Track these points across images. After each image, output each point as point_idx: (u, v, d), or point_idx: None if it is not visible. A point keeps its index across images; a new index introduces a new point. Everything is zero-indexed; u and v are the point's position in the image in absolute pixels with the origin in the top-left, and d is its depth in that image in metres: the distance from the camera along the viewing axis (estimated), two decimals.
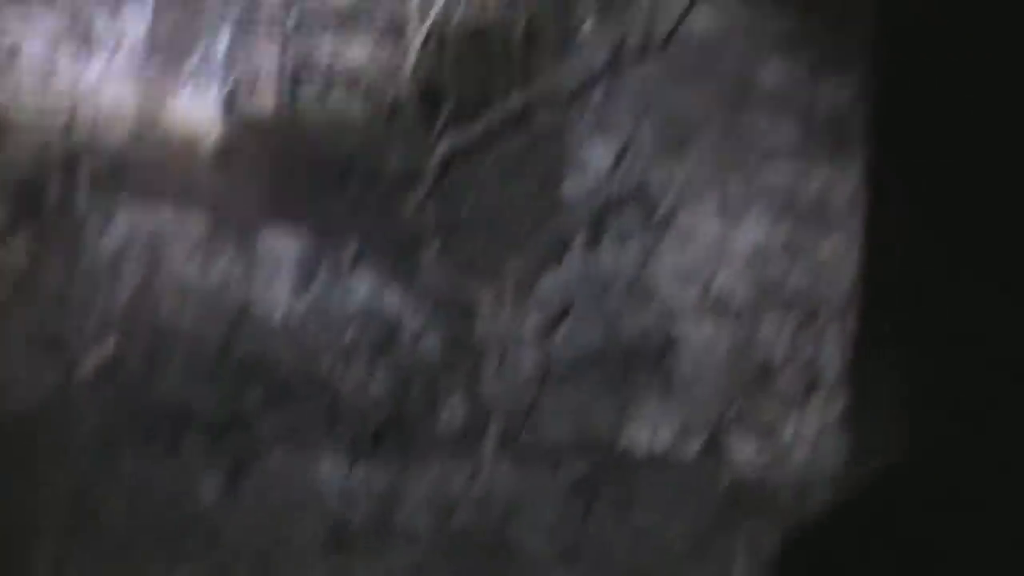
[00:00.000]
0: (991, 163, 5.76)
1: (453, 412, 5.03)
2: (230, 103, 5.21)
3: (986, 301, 5.65)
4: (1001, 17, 6.14)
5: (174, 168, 5.15)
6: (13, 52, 5.10)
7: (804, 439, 5.05)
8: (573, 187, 5.04)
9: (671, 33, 5.00)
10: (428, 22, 4.98)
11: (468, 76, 5.05)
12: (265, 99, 5.50)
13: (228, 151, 5.15)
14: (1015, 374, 5.20)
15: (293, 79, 5.46)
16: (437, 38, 5.02)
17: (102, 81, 5.13)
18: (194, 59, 5.18)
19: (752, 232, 5.06)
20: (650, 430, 5.03)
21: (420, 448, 4.96)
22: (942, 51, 5.62)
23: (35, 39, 5.10)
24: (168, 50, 5.18)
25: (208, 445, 4.90)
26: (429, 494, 4.93)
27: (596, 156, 5.06)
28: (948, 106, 5.84)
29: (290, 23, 5.32)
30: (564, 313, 5.01)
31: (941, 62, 5.59)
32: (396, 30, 5.08)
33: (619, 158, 5.04)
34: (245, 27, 5.33)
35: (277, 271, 5.11)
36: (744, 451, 5.04)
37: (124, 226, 5.13)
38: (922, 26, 5.44)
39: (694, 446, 5.04)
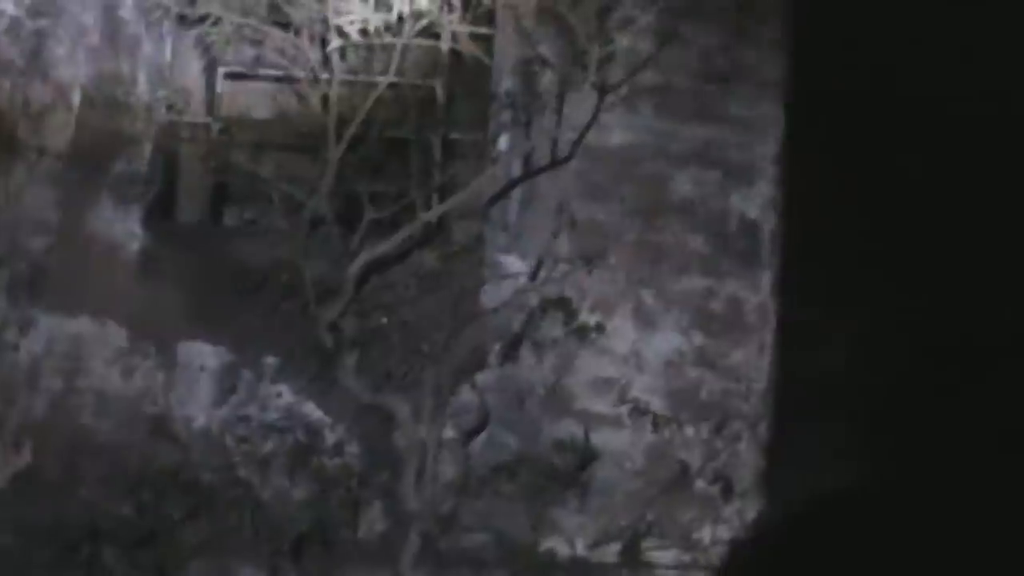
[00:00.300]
0: (897, 276, 5.94)
1: (373, 521, 5.04)
2: (151, 214, 5.25)
3: (897, 404, 5.80)
4: (908, 126, 6.36)
5: (95, 278, 5.17)
6: None
7: (721, 543, 5.12)
8: (491, 297, 5.11)
9: (576, 143, 5.10)
10: (347, 135, 5.04)
11: (387, 188, 5.12)
12: (186, 211, 5.55)
13: (149, 262, 5.18)
14: (928, 479, 5.33)
15: (215, 191, 5.53)
16: (356, 151, 5.09)
17: (23, 189, 5.15)
18: (116, 169, 5.22)
19: (667, 341, 5.16)
20: (569, 536, 5.07)
21: (341, 557, 4.96)
22: (847, 163, 5.79)
23: None
24: (90, 160, 5.21)
25: (128, 559, 4.86)
26: None
27: (513, 267, 5.14)
28: (853, 215, 6.02)
29: (213, 134, 5.39)
30: (483, 422, 5.06)
31: (846, 173, 5.76)
32: (316, 143, 5.14)
33: (536, 269, 5.11)
34: (167, 138, 5.40)
35: (197, 381, 5.12)
36: (663, 555, 5.10)
37: (43, 335, 5.12)
38: (828, 139, 5.61)
39: (613, 551, 5.09)
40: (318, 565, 4.93)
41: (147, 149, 5.31)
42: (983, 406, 6.03)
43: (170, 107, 5.34)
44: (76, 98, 5.20)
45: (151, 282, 5.19)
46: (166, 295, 5.17)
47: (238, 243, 5.26)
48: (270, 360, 5.10)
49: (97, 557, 4.87)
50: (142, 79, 5.29)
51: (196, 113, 5.44)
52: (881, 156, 6.05)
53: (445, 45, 5.32)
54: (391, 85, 5.17)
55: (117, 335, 5.13)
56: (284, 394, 5.09)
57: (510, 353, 5.06)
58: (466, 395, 5.04)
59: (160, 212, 5.33)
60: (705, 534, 5.12)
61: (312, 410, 5.08)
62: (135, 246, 5.21)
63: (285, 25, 5.24)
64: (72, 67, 5.19)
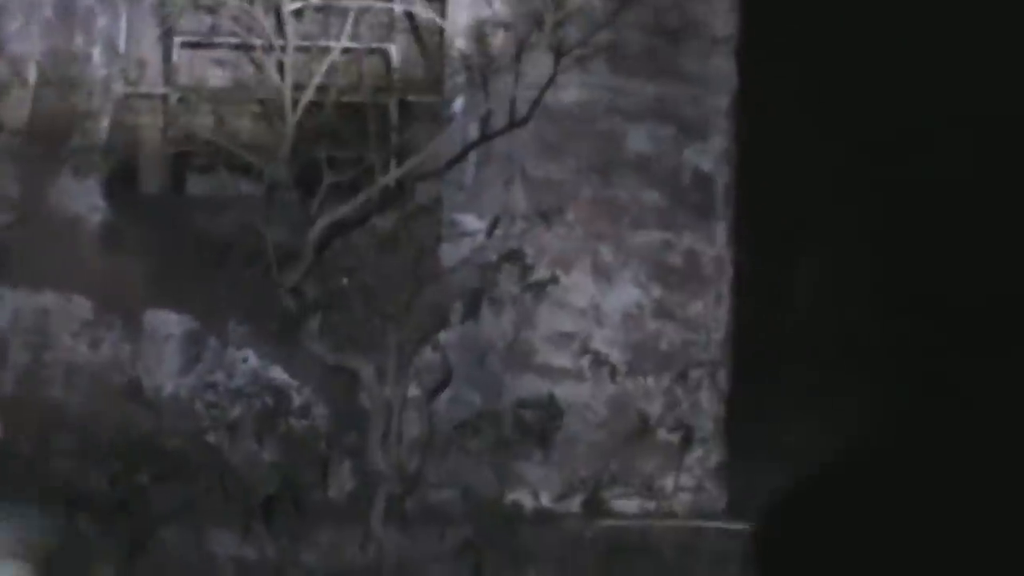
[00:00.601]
0: (847, 224, 6.03)
1: (342, 481, 5.12)
2: (112, 186, 5.29)
3: (852, 355, 5.90)
4: (861, 78, 6.43)
5: (58, 252, 5.21)
6: None
7: (683, 491, 5.22)
8: (450, 257, 5.17)
9: (535, 105, 5.14)
10: (304, 101, 5.08)
11: (345, 153, 5.16)
12: (147, 181, 5.58)
13: (111, 234, 5.22)
14: (881, 422, 5.43)
15: (175, 161, 5.57)
16: (314, 117, 5.13)
17: None
18: (76, 143, 5.25)
19: (625, 294, 5.23)
20: (534, 488, 5.15)
21: (311, 517, 5.03)
22: (798, 117, 5.87)
23: None
24: (49, 135, 5.24)
25: (102, 527, 4.91)
26: (321, 562, 5.00)
27: (471, 225, 5.20)
28: (810, 165, 6.10)
29: (171, 104, 5.42)
30: (446, 380, 5.14)
31: (800, 125, 5.85)
32: (274, 109, 5.18)
33: (494, 227, 5.17)
34: (126, 109, 5.43)
35: (164, 350, 5.17)
36: (627, 504, 5.19)
37: (9, 310, 5.17)
38: (780, 92, 5.68)
39: (577, 502, 5.18)
40: (289, 525, 4.99)
41: (105, 122, 5.34)
42: (943, 354, 6.13)
43: (127, 79, 5.37)
44: (32, 73, 5.23)
45: (114, 254, 5.23)
46: (130, 266, 5.22)
47: (199, 212, 5.31)
48: (235, 326, 5.16)
49: (72, 526, 4.93)
50: (97, 52, 5.30)
51: (153, 84, 5.46)
52: (834, 108, 6.13)
53: (399, 7, 5.36)
54: (346, 50, 5.21)
55: (83, 307, 5.18)
56: (250, 359, 5.15)
57: (470, 311, 5.13)
58: (428, 354, 5.10)
59: (121, 184, 5.37)
60: (668, 482, 5.21)
61: (278, 374, 5.15)
62: (97, 218, 5.25)
63: None
64: (27, 42, 5.22)
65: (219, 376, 5.14)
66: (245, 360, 5.15)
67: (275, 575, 5.00)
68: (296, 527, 4.99)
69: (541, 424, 5.10)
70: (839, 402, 5.39)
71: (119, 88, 5.37)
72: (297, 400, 5.12)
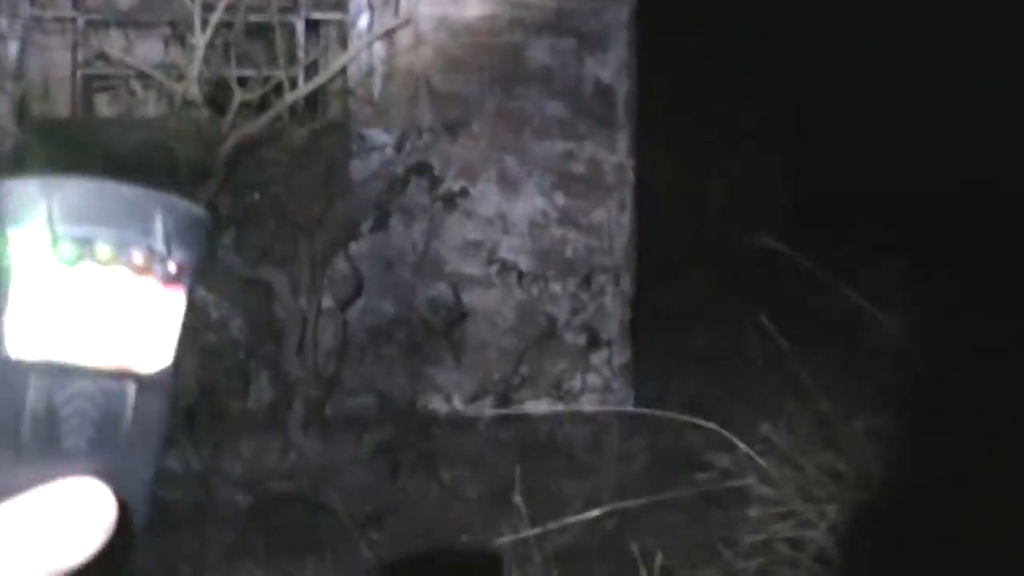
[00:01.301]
0: (744, 132, 6.20)
1: (261, 391, 5.26)
2: (23, 109, 5.33)
3: (759, 259, 6.07)
4: None
5: None
6: None
7: (591, 391, 5.42)
8: (359, 170, 5.29)
9: (441, 21, 5.25)
10: (213, 21, 5.14)
11: (253, 71, 5.25)
12: (58, 103, 5.63)
13: (23, 157, 5.27)
14: (785, 326, 5.63)
15: (84, 82, 5.62)
16: (223, 36, 5.20)
17: None
18: None
19: (530, 203, 5.39)
20: (447, 392, 5.33)
21: (232, 427, 5.16)
22: (698, 28, 6.01)
23: None
24: None
25: None
26: (244, 470, 5.14)
27: (379, 139, 5.32)
28: (704, 79, 6.26)
29: (80, 25, 5.46)
30: (358, 290, 5.28)
31: (696, 38, 5.99)
32: (183, 29, 5.24)
33: (401, 140, 5.29)
34: (36, 31, 5.47)
35: None
36: (536, 405, 5.38)
37: None
38: (678, 4, 5.82)
39: (489, 405, 5.36)
40: (210, 436, 5.12)
41: (14, 45, 5.38)
42: (847, 253, 6.33)
43: (33, 2, 5.40)
44: None
45: (25, 176, 5.28)
46: None
47: (110, 132, 5.38)
48: None
49: None
50: None
51: (61, 6, 5.50)
52: (735, 18, 6.28)
53: None
54: None
55: None
56: None
57: (381, 222, 5.26)
58: (341, 265, 5.24)
59: (31, 107, 5.42)
60: (575, 383, 5.41)
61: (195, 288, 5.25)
62: (8, 142, 5.30)
63: None
64: None
65: None
66: None
67: (199, 486, 5.14)
68: (217, 437, 5.12)
69: (449, 326, 5.26)
70: (745, 304, 5.56)
71: (27, 10, 5.41)
72: (214, 314, 5.24)
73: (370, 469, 5.16)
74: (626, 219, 5.42)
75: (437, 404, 5.30)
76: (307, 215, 5.09)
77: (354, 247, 5.24)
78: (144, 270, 0.65)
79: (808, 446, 3.75)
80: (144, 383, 0.66)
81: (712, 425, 3.86)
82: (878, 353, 4.87)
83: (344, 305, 5.24)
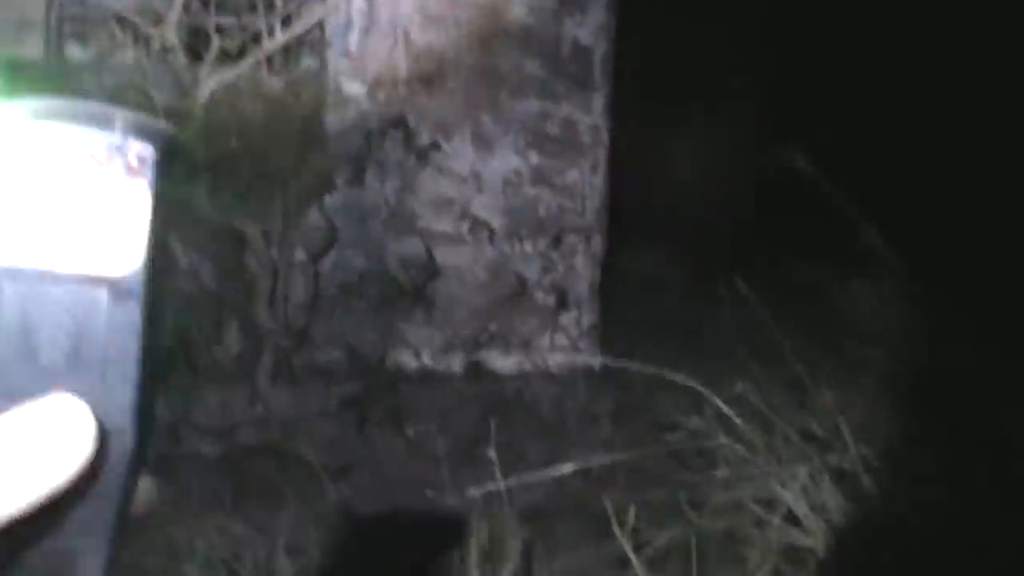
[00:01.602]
0: (720, 97, 6.22)
1: (231, 342, 5.25)
2: None
3: (731, 222, 6.13)
4: None
5: None
6: None
7: (559, 350, 5.45)
8: (335, 123, 5.27)
9: None
10: None
11: (232, 19, 5.21)
12: (32, 45, 5.57)
13: None
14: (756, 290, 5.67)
15: (59, 26, 5.55)
16: None
17: None
18: None
19: (504, 162, 5.39)
20: (416, 348, 5.35)
21: (202, 376, 5.16)
22: None
23: None
24: None
25: None
26: (212, 420, 5.15)
27: (355, 91, 5.30)
28: (681, 41, 6.27)
29: None
30: (330, 243, 5.27)
31: (674, 2, 6.00)
32: None
33: (376, 94, 5.28)
34: None
35: None
36: (505, 363, 5.42)
37: None
38: None
39: (458, 361, 5.38)
40: (180, 384, 5.12)
41: None
42: (821, 225, 6.37)
43: None
44: None
45: None
46: None
47: (84, 76, 5.33)
48: None
49: None
50: None
51: None
52: None
53: None
54: None
55: None
56: None
57: (355, 176, 5.25)
58: (314, 217, 5.24)
59: (3, 49, 5.36)
60: (544, 342, 5.44)
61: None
62: None
63: None
64: None
65: None
66: None
67: (169, 436, 5.14)
68: (187, 386, 5.12)
69: (420, 282, 5.27)
70: (716, 268, 5.59)
71: None
72: (185, 262, 5.21)
73: (338, 422, 5.17)
74: (599, 180, 5.44)
75: (406, 359, 5.32)
76: (281, 166, 5.08)
77: (328, 199, 5.23)
78: (105, 161, 0.66)
79: (780, 407, 3.80)
80: (117, 289, 0.65)
81: (681, 376, 3.89)
82: (852, 320, 4.92)
83: (316, 258, 5.23)
